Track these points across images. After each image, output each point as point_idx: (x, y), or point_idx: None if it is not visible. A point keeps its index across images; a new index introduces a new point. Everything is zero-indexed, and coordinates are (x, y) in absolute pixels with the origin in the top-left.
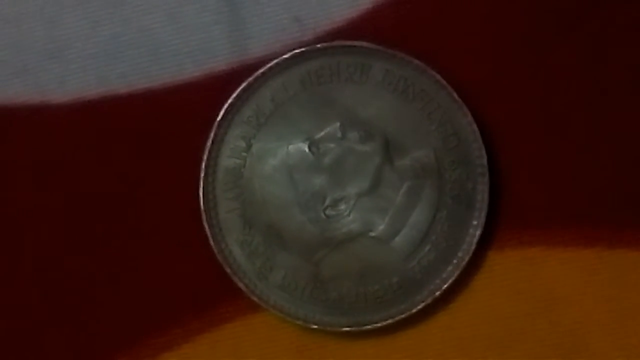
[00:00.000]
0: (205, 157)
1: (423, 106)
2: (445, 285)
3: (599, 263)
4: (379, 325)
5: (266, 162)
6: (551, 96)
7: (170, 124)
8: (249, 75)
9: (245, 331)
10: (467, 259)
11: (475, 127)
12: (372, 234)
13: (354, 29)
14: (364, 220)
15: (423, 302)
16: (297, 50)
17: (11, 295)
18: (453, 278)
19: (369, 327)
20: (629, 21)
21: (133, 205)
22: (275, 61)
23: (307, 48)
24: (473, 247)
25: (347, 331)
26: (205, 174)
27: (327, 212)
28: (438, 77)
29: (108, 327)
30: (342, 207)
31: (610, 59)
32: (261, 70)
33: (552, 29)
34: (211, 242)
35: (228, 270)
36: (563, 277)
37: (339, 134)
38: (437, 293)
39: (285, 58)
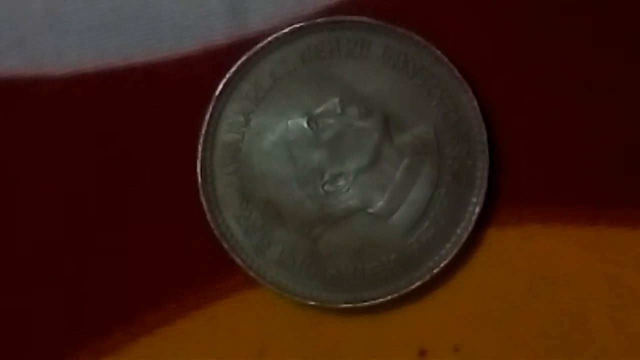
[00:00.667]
0: (203, 132)
1: (423, 82)
2: (444, 263)
3: (599, 241)
4: (376, 302)
5: (265, 137)
6: (552, 73)
7: (168, 98)
8: (248, 50)
9: (242, 307)
10: (465, 236)
11: (475, 103)
12: (371, 210)
13: (354, 4)
14: (362, 197)
15: (421, 279)
16: (296, 25)
17: (7, 271)
18: (451, 255)
19: (366, 303)
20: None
21: (130, 179)
22: (274, 35)
23: (307, 23)
24: (472, 224)
25: (344, 308)
26: (203, 149)
27: (326, 187)
28: (438, 53)
29: (105, 302)
30: (341, 183)
31: (613, 39)
32: (260, 45)
33: (555, 7)
34: (209, 217)
35: (225, 245)
36: (562, 255)
37: (338, 110)
38: (436, 270)
39: (285, 33)
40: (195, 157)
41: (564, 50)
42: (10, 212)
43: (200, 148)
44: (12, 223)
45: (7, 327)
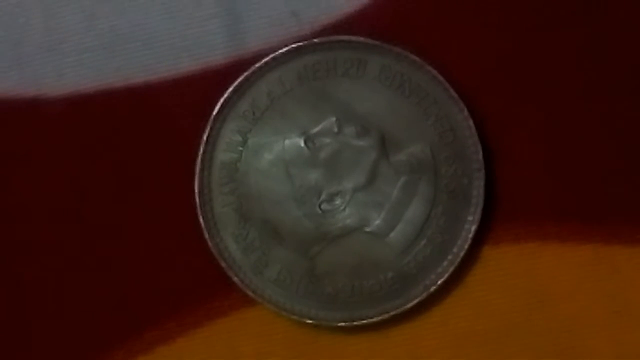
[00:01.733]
0: (201, 151)
1: (419, 101)
2: (441, 281)
3: (595, 259)
4: (373, 320)
5: (262, 156)
6: (547, 92)
7: (166, 118)
8: (246, 70)
9: (240, 325)
10: (462, 254)
11: (471, 122)
12: (368, 228)
13: (351, 24)
14: (359, 215)
15: (418, 297)
16: (294, 45)
17: (5, 288)
18: (448, 273)
19: (363, 322)
20: (626, 17)
21: (128, 199)
22: (271, 55)
23: (304, 43)
24: (468, 242)
25: (341, 326)
26: (201, 168)
27: (323, 206)
28: (434, 72)
29: (104, 320)
30: (338, 201)
31: (607, 56)
32: (258, 65)
33: (549, 25)
34: (206, 237)
35: (223, 264)
36: (559, 272)
37: (335, 129)
38: (432, 288)
39: (282, 52)
40: (193, 177)
41: (559, 69)
42: (10, 231)
43: (198, 167)
44: (11, 241)
45: (3, 345)
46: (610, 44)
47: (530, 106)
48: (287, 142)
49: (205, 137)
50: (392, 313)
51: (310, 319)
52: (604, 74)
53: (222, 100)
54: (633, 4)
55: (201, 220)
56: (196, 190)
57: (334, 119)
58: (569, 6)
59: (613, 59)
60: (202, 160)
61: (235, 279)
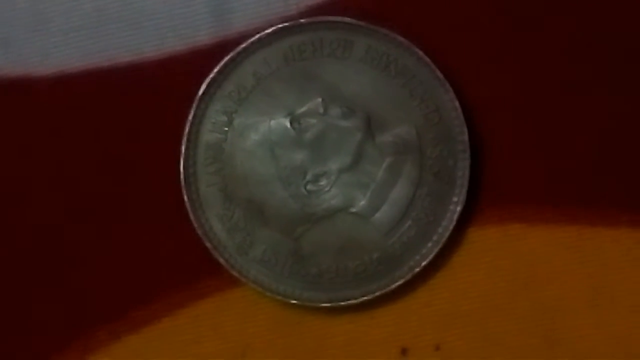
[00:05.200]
0: (186, 132)
1: (405, 82)
2: (425, 262)
3: (580, 240)
4: (358, 300)
5: (248, 137)
6: (534, 74)
7: (152, 98)
8: (232, 50)
9: (225, 306)
10: (447, 235)
11: (457, 103)
12: (353, 209)
13: (337, 5)
14: (344, 196)
15: (403, 278)
16: (279, 25)
17: None
18: (433, 254)
19: (348, 302)
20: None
21: (114, 179)
22: (257, 36)
23: (290, 23)
24: (453, 223)
25: (326, 306)
26: (187, 148)
27: (308, 187)
28: (421, 53)
29: (89, 301)
30: (323, 182)
31: (597, 42)
32: (243, 45)
33: (538, 7)
34: (191, 217)
35: (208, 245)
36: (543, 254)
37: (321, 110)
38: (417, 269)
39: (268, 33)
40: (179, 157)
41: (546, 50)
42: None
43: (183, 148)
44: None
45: None
46: (601, 29)
47: (516, 88)
48: (272, 122)
49: (190, 117)
50: (377, 294)
51: (295, 300)
52: (593, 60)
53: (207, 80)
54: None
55: (186, 200)
56: (181, 171)
57: (319, 99)
58: None
59: (602, 45)
60: (188, 140)
61: (220, 259)
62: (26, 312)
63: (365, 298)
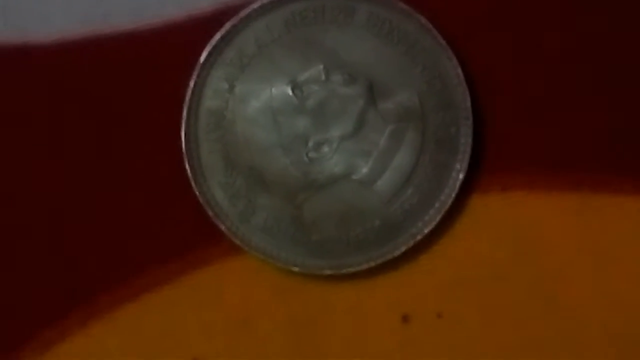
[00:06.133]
0: (187, 99)
1: (407, 49)
2: (427, 229)
3: (583, 207)
4: (360, 268)
5: (249, 104)
6: (537, 41)
7: (153, 65)
8: (233, 17)
9: (227, 273)
10: (449, 202)
11: (459, 70)
12: (355, 176)
13: None
14: (346, 163)
15: (405, 245)
16: None
17: None
18: (435, 222)
19: (350, 269)
20: None
21: (115, 146)
22: (259, 2)
23: None
24: (456, 190)
25: (328, 274)
26: (188, 116)
27: (310, 154)
28: (423, 20)
29: (91, 267)
30: (325, 149)
31: (596, 6)
32: (245, 12)
33: None
34: (193, 185)
35: (210, 212)
36: (546, 221)
37: (323, 77)
38: (419, 236)
39: None
40: (180, 124)
41: (549, 17)
42: None
43: (184, 115)
44: None
45: None
46: None
47: (519, 55)
48: (274, 89)
49: (192, 85)
50: (379, 261)
51: (297, 267)
52: (595, 27)
53: (209, 47)
54: None
55: (188, 168)
56: (183, 138)
57: (321, 66)
58: None
59: (603, 11)
60: (189, 107)
61: (222, 226)
62: (25, 279)
63: (367, 265)
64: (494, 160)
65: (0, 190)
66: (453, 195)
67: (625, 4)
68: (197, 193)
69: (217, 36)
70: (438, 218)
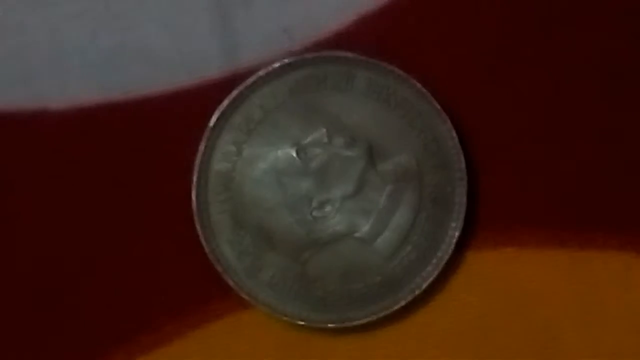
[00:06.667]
0: (198, 161)
1: (404, 113)
2: (425, 284)
3: (571, 263)
4: (362, 321)
5: (256, 166)
6: (526, 104)
7: (164, 130)
8: (240, 84)
9: (235, 327)
10: (445, 259)
11: (454, 133)
12: (357, 235)
13: (340, 40)
14: (348, 222)
15: (404, 300)
16: (285, 60)
17: (4, 290)
18: (432, 277)
19: (352, 323)
20: (597, 31)
21: (129, 208)
22: (264, 70)
23: (295, 58)
24: (452, 247)
25: (331, 327)
26: (198, 178)
27: (314, 214)
28: (418, 85)
29: (102, 323)
30: (328, 209)
31: (584, 66)
32: (251, 79)
33: (527, 39)
34: (203, 243)
35: (219, 269)
36: (536, 276)
37: (325, 140)
38: (417, 291)
39: (275, 67)
40: (191, 186)
41: (538, 82)
42: (10, 241)
43: (195, 177)
44: (11, 249)
45: (3, 350)
46: (584, 55)
47: (510, 117)
48: (279, 152)
49: (202, 148)
50: (380, 315)
51: (302, 321)
52: (586, 86)
53: (217, 112)
54: (599, 18)
55: (198, 227)
56: (194, 199)
57: (324, 130)
58: (552, 16)
59: (595, 72)
60: (199, 170)
61: (230, 282)
62: (38, 334)
63: (368, 319)
64: (487, 218)
65: (13, 249)
66: (449, 251)
67: (616, 61)
68: (206, 250)
69: (225, 102)
70: (435, 274)
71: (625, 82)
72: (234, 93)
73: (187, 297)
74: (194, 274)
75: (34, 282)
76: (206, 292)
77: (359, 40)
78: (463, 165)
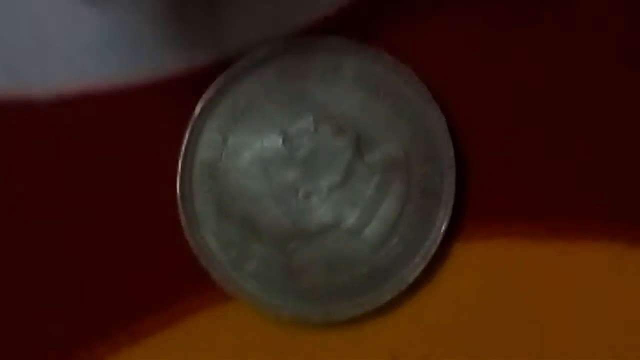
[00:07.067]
0: (182, 150)
1: (393, 102)
2: (413, 276)
3: (562, 255)
4: (348, 313)
5: (241, 155)
6: (517, 93)
7: (149, 118)
8: (226, 70)
9: (220, 319)
10: (433, 250)
11: (444, 122)
12: (343, 226)
13: (329, 26)
14: (335, 213)
15: (391, 292)
16: (272, 47)
17: None
18: (420, 269)
19: (339, 315)
20: (590, 17)
21: (112, 198)
22: (250, 57)
23: (283, 44)
24: (440, 238)
25: (318, 319)
26: (182, 167)
27: (300, 204)
28: (409, 73)
29: (87, 315)
30: (315, 199)
31: (578, 54)
32: (237, 66)
33: (522, 25)
34: (187, 234)
35: (204, 261)
36: (527, 268)
37: (312, 128)
38: (405, 283)
39: (261, 54)
40: (175, 175)
41: (530, 70)
42: None
43: (179, 166)
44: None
45: None
46: (577, 43)
47: (501, 106)
48: (265, 141)
49: (186, 137)
50: (366, 307)
51: (288, 313)
52: (577, 76)
53: (203, 100)
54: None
55: (182, 217)
56: (178, 189)
57: (310, 118)
58: (542, 5)
59: (583, 58)
60: (184, 159)
61: (214, 274)
62: (22, 328)
63: (355, 311)
64: (476, 209)
65: (3, 238)
66: (437, 243)
67: (608, 56)
68: (191, 242)
69: (211, 89)
70: (423, 265)
71: (616, 72)
72: (219, 80)
73: (172, 288)
74: (178, 266)
75: (13, 272)
76: (191, 284)
77: (348, 26)
78: (452, 154)
